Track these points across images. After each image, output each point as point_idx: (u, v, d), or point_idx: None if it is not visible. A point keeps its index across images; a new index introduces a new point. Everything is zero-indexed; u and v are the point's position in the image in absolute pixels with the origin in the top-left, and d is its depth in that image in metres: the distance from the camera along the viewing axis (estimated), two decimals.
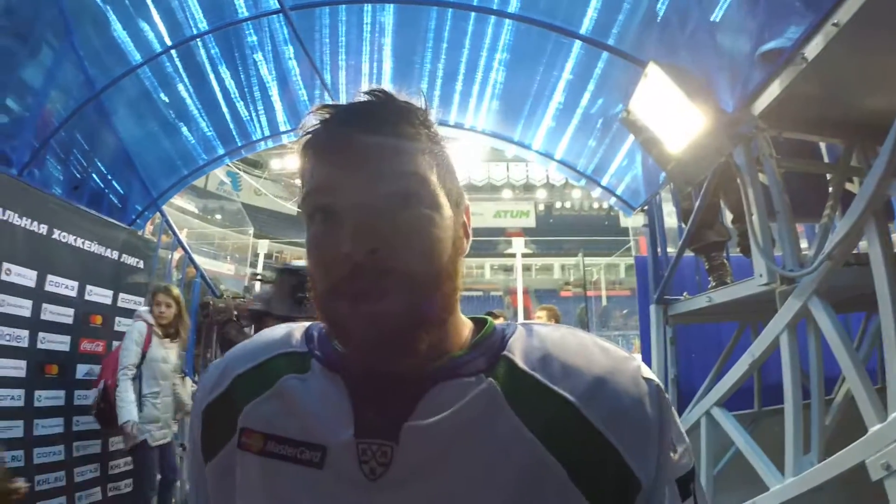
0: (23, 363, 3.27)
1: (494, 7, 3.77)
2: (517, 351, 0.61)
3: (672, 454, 0.58)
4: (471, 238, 0.67)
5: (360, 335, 0.55)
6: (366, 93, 0.61)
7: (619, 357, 0.61)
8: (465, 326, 0.67)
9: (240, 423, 0.63)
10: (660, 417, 0.58)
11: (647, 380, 0.60)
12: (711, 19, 2.89)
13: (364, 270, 0.53)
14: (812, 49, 2.12)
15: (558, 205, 38.71)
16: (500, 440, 0.55)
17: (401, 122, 0.59)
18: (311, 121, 0.62)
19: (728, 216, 3.59)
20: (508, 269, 31.84)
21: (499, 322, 0.69)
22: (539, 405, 0.57)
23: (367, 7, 3.95)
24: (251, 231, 23.84)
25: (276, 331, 0.72)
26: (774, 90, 2.38)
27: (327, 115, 0.61)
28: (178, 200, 21.05)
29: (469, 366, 0.60)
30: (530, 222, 37.34)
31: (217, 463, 0.65)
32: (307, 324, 0.73)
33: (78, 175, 4.26)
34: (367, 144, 0.57)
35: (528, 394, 0.58)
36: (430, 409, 0.57)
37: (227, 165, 26.77)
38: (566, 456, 0.55)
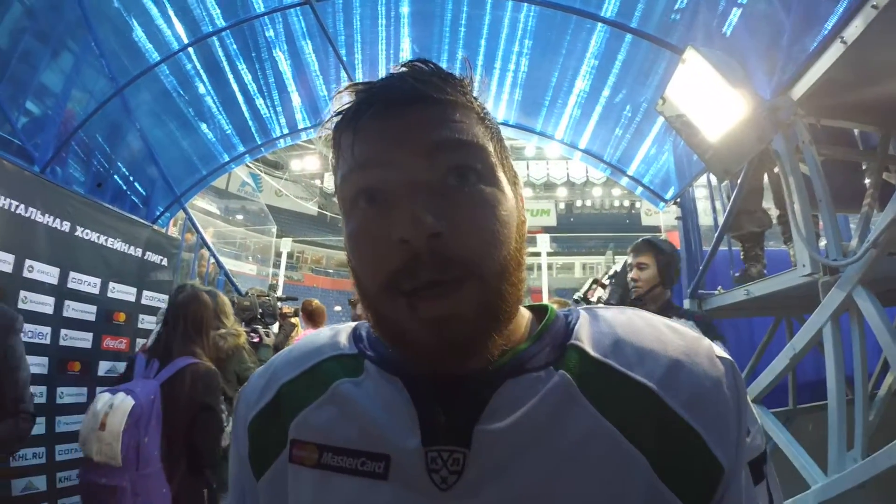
0: (45, 360, 3.26)
1: None
2: (585, 338, 0.56)
3: (746, 436, 0.52)
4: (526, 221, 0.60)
5: (422, 340, 0.49)
6: (404, 64, 0.55)
7: (692, 337, 0.56)
8: (524, 316, 0.60)
9: (291, 433, 0.58)
10: (737, 397, 0.53)
11: (722, 359, 0.54)
12: (744, 1, 2.80)
13: (424, 261, 0.47)
14: (851, 32, 2.05)
15: (579, 203, 38.56)
16: (578, 434, 0.50)
17: (450, 88, 0.52)
18: (343, 100, 0.55)
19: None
20: (529, 268, 31.69)
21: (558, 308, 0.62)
22: (616, 394, 0.51)
23: None
24: (274, 230, 24.05)
25: (322, 334, 0.67)
26: (813, 75, 2.31)
27: (361, 91, 0.54)
28: (200, 202, 21.32)
29: (536, 359, 0.55)
30: (551, 221, 37.18)
31: (269, 480, 0.59)
32: (353, 324, 0.66)
33: (100, 173, 4.28)
34: (416, 112, 0.51)
35: (604, 383, 0.52)
36: (500, 410, 0.51)
37: (248, 167, 27.15)
38: (648, 445, 0.49)
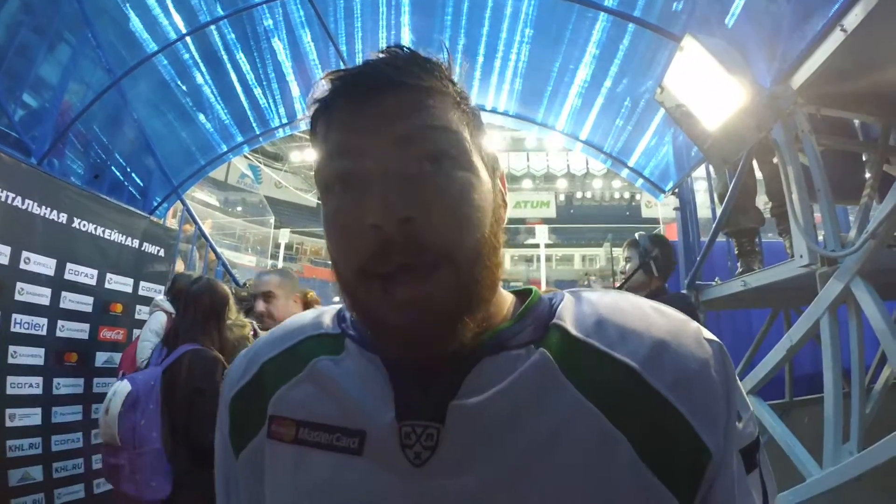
0: (41, 351, 3.26)
1: None
2: (568, 318, 0.55)
3: (737, 422, 0.51)
4: (507, 207, 0.60)
5: (396, 324, 0.49)
6: (382, 51, 0.54)
7: (678, 318, 0.55)
8: (507, 299, 0.61)
9: (269, 410, 0.58)
10: (726, 381, 0.51)
11: (710, 341, 0.53)
12: None
13: (397, 245, 0.47)
14: (852, 19, 2.03)
15: (579, 195, 38.50)
16: (558, 414, 0.49)
17: (425, 74, 0.52)
18: (322, 88, 0.54)
19: (762, 200, 3.48)
20: (529, 260, 31.78)
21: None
22: (598, 373, 0.51)
23: None
24: (272, 221, 24.03)
25: (306, 315, 0.67)
26: (813, 64, 2.28)
27: (337, 79, 0.53)
28: (199, 193, 21.29)
29: (517, 338, 0.54)
30: (551, 212, 37.12)
31: (247, 455, 0.60)
32: (338, 307, 0.66)
33: (97, 164, 4.26)
34: (389, 99, 0.50)
35: (585, 362, 0.51)
36: (477, 386, 0.51)
37: (248, 158, 27.11)
38: (631, 427, 0.48)
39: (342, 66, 3.26)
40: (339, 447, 0.52)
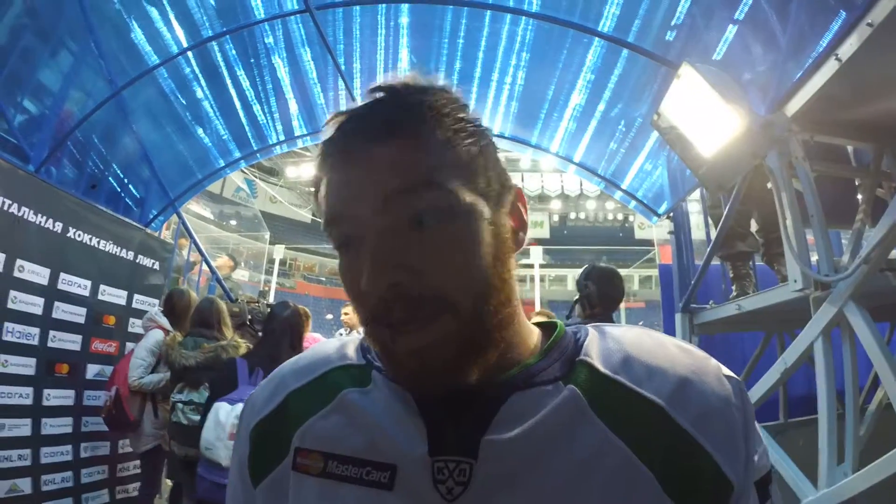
0: (32, 361, 3.23)
1: (511, 4, 3.73)
2: (594, 354, 0.56)
3: (754, 456, 0.53)
4: (527, 225, 0.61)
5: (402, 365, 0.51)
6: (373, 89, 0.55)
7: (700, 356, 0.57)
8: (532, 333, 0.61)
9: (295, 442, 0.58)
10: (745, 416, 0.53)
11: (729, 378, 0.55)
12: (740, 18, 2.83)
13: (391, 303, 0.49)
14: (846, 49, 2.07)
15: (573, 215, 38.67)
16: (587, 449, 0.50)
17: (407, 123, 0.52)
18: (328, 131, 0.56)
19: (754, 226, 3.52)
20: (522, 280, 31.76)
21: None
22: (626, 410, 0.52)
23: (382, 8, 3.94)
24: (267, 236, 23.94)
25: (329, 344, 0.67)
26: (808, 92, 2.33)
27: (335, 128, 0.55)
28: (194, 206, 21.20)
29: (545, 373, 0.55)
30: (544, 233, 37.20)
31: (267, 486, 0.59)
32: (359, 337, 0.66)
33: (95, 174, 4.26)
34: (373, 160, 0.51)
35: (613, 399, 0.52)
36: (508, 421, 0.51)
37: (244, 172, 27.09)
38: (657, 463, 0.49)
39: (342, 86, 3.32)
40: (369, 481, 0.52)
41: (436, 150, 0.52)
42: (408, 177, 0.50)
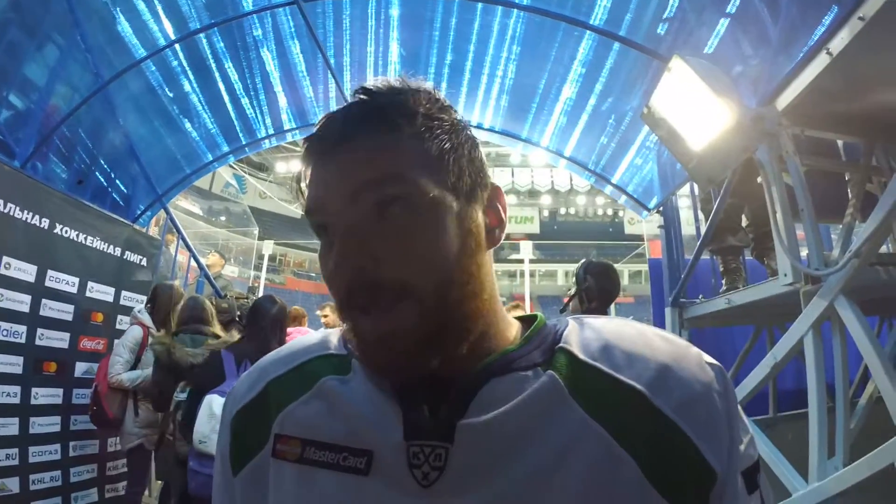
0: (20, 359, 3.19)
1: None
2: (574, 342, 0.56)
3: (740, 445, 0.52)
4: (504, 223, 0.62)
5: (370, 352, 0.53)
6: (357, 91, 0.57)
7: (681, 343, 0.57)
8: (511, 325, 0.62)
9: (274, 429, 0.58)
10: (728, 404, 0.53)
11: (711, 364, 0.55)
12: (731, 11, 2.84)
13: (358, 287, 0.51)
14: (837, 43, 2.09)
15: (563, 210, 38.80)
16: (566, 434, 0.50)
17: (379, 121, 0.54)
18: (314, 130, 0.58)
19: (745, 221, 3.53)
20: (513, 275, 31.84)
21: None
22: (605, 396, 0.52)
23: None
24: (256, 232, 23.84)
25: (312, 336, 0.68)
26: (799, 85, 2.34)
27: (318, 126, 0.57)
28: (183, 202, 21.06)
29: (524, 360, 0.56)
30: (534, 228, 37.31)
31: (247, 474, 0.60)
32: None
33: (81, 169, 4.20)
34: (344, 155, 0.53)
35: (592, 384, 0.53)
36: (485, 406, 0.52)
37: (233, 168, 26.92)
38: (638, 448, 0.49)
39: (331, 79, 3.30)
40: (346, 467, 0.53)
41: (405, 146, 0.53)
42: (376, 170, 0.52)
